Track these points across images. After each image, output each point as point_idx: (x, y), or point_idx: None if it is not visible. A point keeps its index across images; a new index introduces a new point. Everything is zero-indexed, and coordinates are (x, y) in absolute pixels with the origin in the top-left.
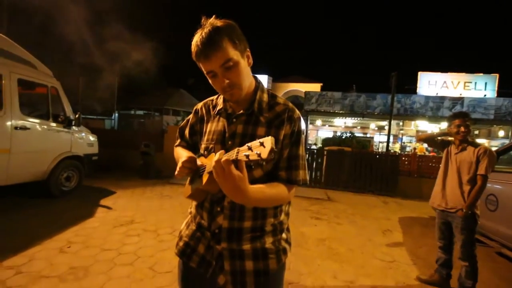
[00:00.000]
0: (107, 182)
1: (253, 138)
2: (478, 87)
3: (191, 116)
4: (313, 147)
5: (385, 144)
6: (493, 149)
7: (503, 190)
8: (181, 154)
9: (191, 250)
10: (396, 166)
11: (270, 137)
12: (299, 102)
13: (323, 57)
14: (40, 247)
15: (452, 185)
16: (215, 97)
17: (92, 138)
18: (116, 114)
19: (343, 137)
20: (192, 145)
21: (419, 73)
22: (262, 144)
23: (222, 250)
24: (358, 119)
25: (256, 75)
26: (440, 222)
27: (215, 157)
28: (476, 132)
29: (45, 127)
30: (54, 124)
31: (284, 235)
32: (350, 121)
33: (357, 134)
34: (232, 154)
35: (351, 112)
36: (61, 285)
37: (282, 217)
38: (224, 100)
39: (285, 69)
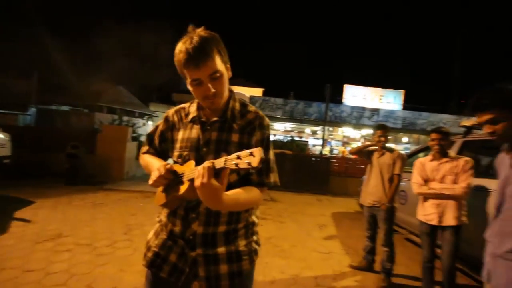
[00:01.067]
0: (24, 190)
1: (227, 144)
2: (389, 100)
3: (161, 122)
4: None
5: (317, 147)
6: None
7: (410, 187)
8: (153, 162)
9: (162, 260)
10: (328, 167)
11: (259, 148)
12: None
13: (264, 62)
14: None
15: (377, 184)
16: (186, 105)
17: (3, 137)
18: (34, 109)
19: (285, 141)
20: (161, 152)
21: (345, 85)
22: (251, 154)
23: (197, 256)
24: (296, 124)
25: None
26: (368, 216)
27: (204, 163)
28: (389, 137)
29: None
30: None
31: (255, 237)
32: (289, 126)
33: (295, 138)
34: (220, 162)
35: (291, 117)
36: None
37: (253, 219)
38: (198, 108)
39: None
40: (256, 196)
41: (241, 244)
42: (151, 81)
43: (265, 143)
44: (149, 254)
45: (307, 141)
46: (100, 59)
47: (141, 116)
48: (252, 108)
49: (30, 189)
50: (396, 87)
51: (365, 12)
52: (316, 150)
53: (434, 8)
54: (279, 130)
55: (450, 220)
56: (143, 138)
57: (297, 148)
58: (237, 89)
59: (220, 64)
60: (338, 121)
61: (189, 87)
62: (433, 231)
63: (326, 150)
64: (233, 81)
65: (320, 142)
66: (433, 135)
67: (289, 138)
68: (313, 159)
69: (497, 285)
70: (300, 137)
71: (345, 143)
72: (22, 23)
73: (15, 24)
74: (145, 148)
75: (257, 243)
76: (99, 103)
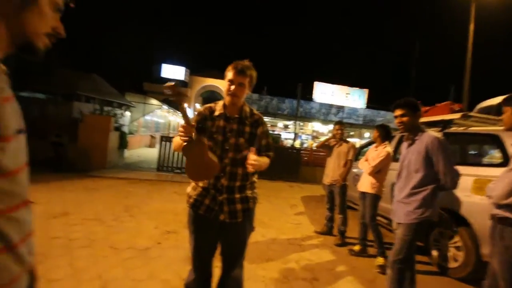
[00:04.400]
0: None
1: (243, 133)
2: (354, 98)
3: (196, 116)
4: None
5: (288, 140)
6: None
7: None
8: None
9: (200, 203)
10: (299, 158)
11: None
12: (216, 98)
13: (238, 56)
14: None
15: (334, 167)
16: (212, 104)
17: None
18: None
19: None
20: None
21: (315, 82)
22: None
23: (223, 199)
24: (270, 118)
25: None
26: (328, 192)
27: (251, 156)
28: (352, 133)
29: None
30: None
31: (255, 191)
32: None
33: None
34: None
35: (265, 112)
36: None
37: (254, 179)
38: (224, 108)
39: (203, 63)
40: (267, 161)
41: (248, 193)
42: (124, 70)
43: (266, 134)
44: (191, 200)
45: (280, 134)
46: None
47: (119, 106)
48: (256, 111)
49: None
50: (361, 86)
51: (335, 13)
52: (288, 142)
53: (398, 15)
54: None
55: (364, 188)
56: (125, 129)
57: (272, 140)
58: (210, 81)
59: (247, 82)
60: (308, 117)
61: (225, 83)
62: (362, 195)
63: (296, 143)
64: (207, 73)
65: (291, 135)
66: (336, 127)
67: None
68: (289, 150)
69: (398, 218)
70: (273, 131)
71: (314, 137)
72: None
73: None
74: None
75: (256, 193)
76: (79, 91)
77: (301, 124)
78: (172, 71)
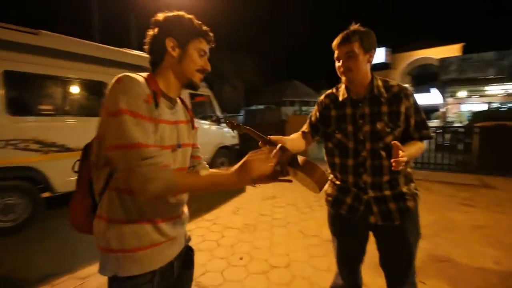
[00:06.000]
0: None
1: (379, 115)
2: None
3: (316, 107)
4: (456, 125)
5: None
6: None
7: None
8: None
9: (340, 201)
10: None
11: None
12: (428, 72)
13: (459, 8)
14: (219, 210)
15: None
16: (333, 90)
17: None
18: (243, 111)
19: (502, 109)
20: (316, 127)
21: None
22: None
23: (369, 198)
24: None
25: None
26: None
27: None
28: None
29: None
30: (208, 122)
31: (413, 184)
32: (511, 88)
33: None
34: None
35: (511, 75)
36: (242, 234)
37: (408, 171)
38: (347, 90)
39: (407, 35)
40: (422, 147)
41: (403, 188)
42: (320, 70)
43: (415, 108)
44: (330, 198)
45: None
46: (278, 62)
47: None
48: (394, 82)
49: None
50: None
51: None
52: None
53: None
54: (496, 95)
55: None
56: None
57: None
58: (419, 54)
59: (357, 49)
60: None
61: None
62: None
63: None
64: (412, 46)
65: None
66: None
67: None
68: None
69: None
70: None
71: None
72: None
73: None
74: (304, 126)
75: (415, 189)
76: (283, 98)
77: None
78: None
